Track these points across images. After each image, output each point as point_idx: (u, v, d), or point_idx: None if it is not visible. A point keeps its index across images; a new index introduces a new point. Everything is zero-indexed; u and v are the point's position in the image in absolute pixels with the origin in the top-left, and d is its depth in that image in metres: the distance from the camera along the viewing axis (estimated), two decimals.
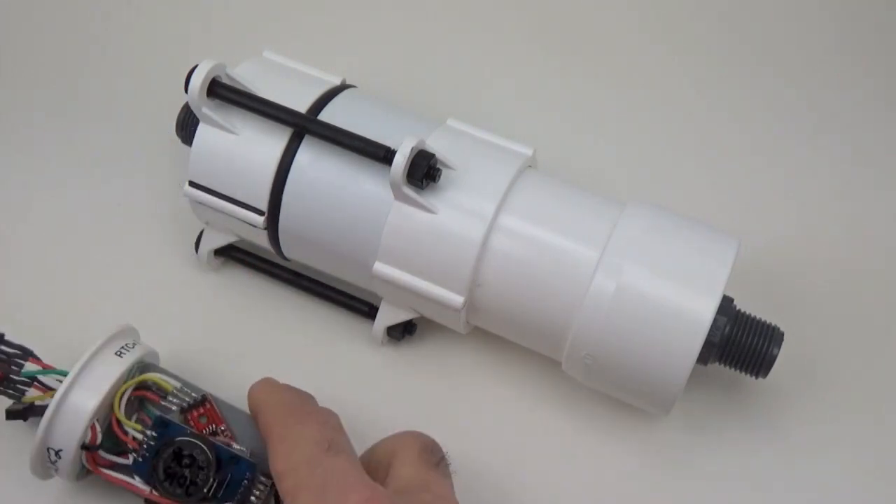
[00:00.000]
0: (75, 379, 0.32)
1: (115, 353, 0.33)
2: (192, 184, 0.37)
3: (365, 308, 0.40)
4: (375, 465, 0.31)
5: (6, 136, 0.46)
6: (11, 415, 0.33)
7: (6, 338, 0.33)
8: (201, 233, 0.41)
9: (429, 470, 0.30)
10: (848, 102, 0.50)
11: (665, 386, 0.33)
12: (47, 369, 0.33)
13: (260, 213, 0.36)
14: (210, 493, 0.31)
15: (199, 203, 0.37)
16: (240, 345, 0.39)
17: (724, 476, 0.37)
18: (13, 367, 0.33)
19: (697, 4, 0.54)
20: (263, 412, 0.32)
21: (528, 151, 0.37)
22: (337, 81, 0.39)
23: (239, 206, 0.37)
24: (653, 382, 0.33)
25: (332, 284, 0.40)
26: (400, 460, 0.30)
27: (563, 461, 0.37)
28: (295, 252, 0.38)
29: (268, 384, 0.33)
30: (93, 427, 0.32)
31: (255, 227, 0.37)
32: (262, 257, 0.41)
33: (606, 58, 0.51)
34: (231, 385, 0.35)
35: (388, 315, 0.38)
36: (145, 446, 0.32)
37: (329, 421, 0.31)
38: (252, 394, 0.33)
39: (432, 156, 0.33)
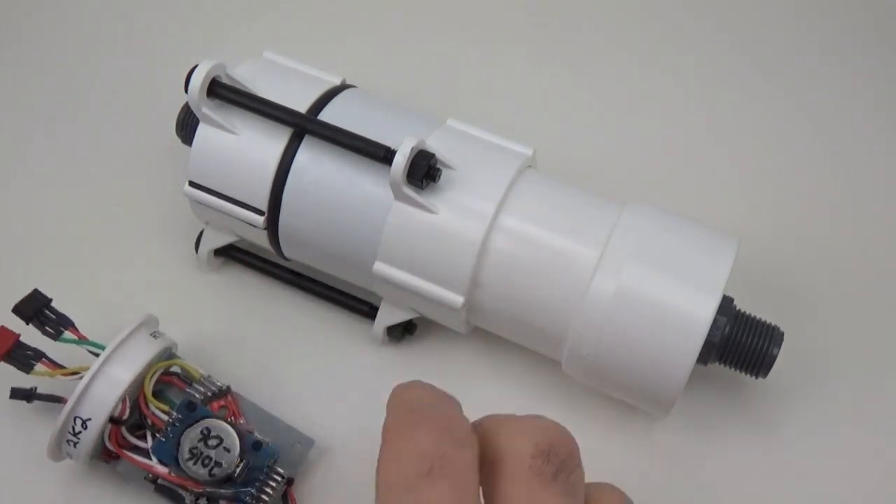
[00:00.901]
0: (114, 350, 0.33)
1: (151, 335, 0.34)
2: (192, 184, 0.37)
3: (365, 308, 0.40)
4: (484, 462, 0.25)
5: (6, 136, 0.46)
6: (16, 393, 0.34)
7: (52, 304, 0.34)
8: (201, 233, 0.41)
9: (543, 487, 0.24)
10: (850, 102, 0.50)
11: (665, 386, 0.33)
12: (83, 340, 0.34)
13: (260, 213, 0.36)
14: (236, 475, 0.32)
15: (199, 203, 0.37)
16: (239, 345, 0.39)
17: (724, 476, 0.37)
18: (54, 332, 0.34)
19: (699, 4, 0.54)
20: (388, 410, 0.26)
21: (528, 151, 0.37)
22: (337, 81, 0.39)
23: (239, 206, 0.36)
24: (653, 382, 0.33)
25: (332, 284, 0.40)
26: (507, 474, 0.24)
27: None
28: (295, 252, 0.38)
29: (409, 382, 0.28)
30: (124, 401, 0.32)
31: (255, 227, 0.37)
32: (262, 257, 0.41)
33: (607, 58, 0.51)
34: (231, 385, 0.35)
35: (388, 315, 0.38)
36: (170, 427, 0.32)
37: (452, 429, 0.25)
38: (391, 393, 0.27)
39: (432, 156, 0.33)
